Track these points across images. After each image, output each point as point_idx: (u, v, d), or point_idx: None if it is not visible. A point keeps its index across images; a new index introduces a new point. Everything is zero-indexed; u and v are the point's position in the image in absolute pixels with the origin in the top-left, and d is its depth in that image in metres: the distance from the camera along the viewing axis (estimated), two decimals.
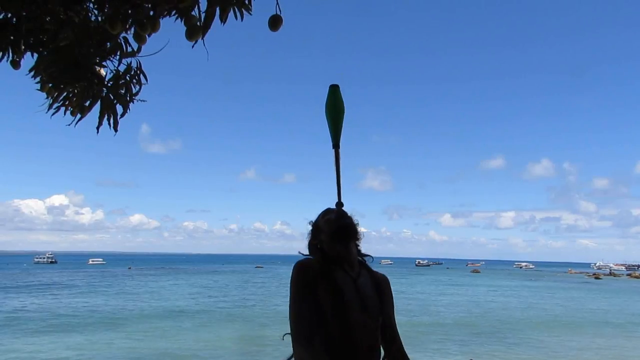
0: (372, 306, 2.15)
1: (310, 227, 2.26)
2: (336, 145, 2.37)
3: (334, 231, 2.14)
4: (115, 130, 2.23)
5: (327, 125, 2.39)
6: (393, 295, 2.35)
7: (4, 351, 18.58)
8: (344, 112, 2.40)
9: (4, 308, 31.84)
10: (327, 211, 2.26)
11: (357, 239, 2.22)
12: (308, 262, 2.13)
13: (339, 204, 2.30)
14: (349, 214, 2.23)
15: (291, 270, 2.08)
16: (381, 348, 2.21)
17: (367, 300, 2.12)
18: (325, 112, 2.39)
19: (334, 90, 2.39)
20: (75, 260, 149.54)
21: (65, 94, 2.22)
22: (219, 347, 19.67)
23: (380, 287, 2.23)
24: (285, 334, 2.15)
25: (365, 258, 2.28)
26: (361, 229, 2.24)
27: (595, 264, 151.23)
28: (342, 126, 2.40)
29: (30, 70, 2.20)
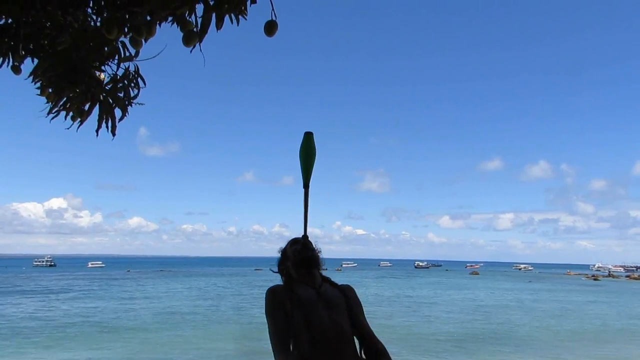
0: (337, 305, 2.45)
1: (279, 254, 2.68)
2: (306, 186, 2.73)
3: (299, 261, 2.55)
4: (114, 134, 2.26)
5: (300, 167, 2.74)
6: (360, 301, 2.61)
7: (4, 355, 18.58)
8: (314, 158, 2.75)
9: (5, 312, 31.82)
10: (294, 241, 2.67)
11: (319, 268, 2.60)
12: (276, 287, 2.51)
13: (304, 236, 2.67)
14: (312, 246, 2.63)
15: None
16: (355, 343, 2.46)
17: (331, 301, 2.44)
18: (299, 155, 2.73)
19: (308, 138, 2.74)
20: (75, 264, 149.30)
21: (65, 98, 2.25)
22: (218, 352, 19.66)
23: (345, 293, 2.55)
24: None
25: (329, 279, 2.64)
26: (322, 260, 2.63)
27: (594, 265, 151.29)
28: (312, 169, 2.76)
29: (29, 75, 2.23)
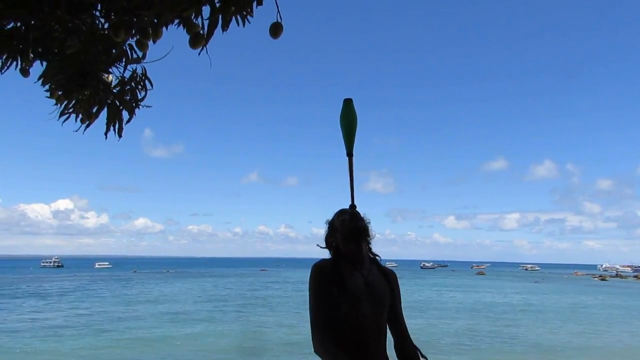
0: (383, 300, 2.38)
1: (326, 226, 2.50)
2: (349, 154, 2.65)
3: (347, 232, 2.39)
4: (120, 136, 2.28)
5: (342, 136, 2.65)
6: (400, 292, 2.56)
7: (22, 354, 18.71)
8: (356, 124, 2.65)
9: (19, 315, 32.05)
10: (342, 212, 2.52)
11: (369, 239, 2.46)
12: (322, 264, 2.37)
13: (352, 206, 2.55)
14: (361, 216, 2.48)
15: (309, 273, 2.34)
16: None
17: (378, 297, 2.35)
18: (340, 123, 2.64)
19: (348, 105, 2.63)
20: (82, 264, 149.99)
21: (74, 101, 2.27)
22: (224, 352, 19.70)
23: (390, 283, 2.46)
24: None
25: (376, 257, 2.51)
26: (372, 230, 2.48)
27: (601, 265, 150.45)
28: (354, 136, 2.66)
29: (39, 78, 2.25)
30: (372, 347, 2.29)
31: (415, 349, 2.48)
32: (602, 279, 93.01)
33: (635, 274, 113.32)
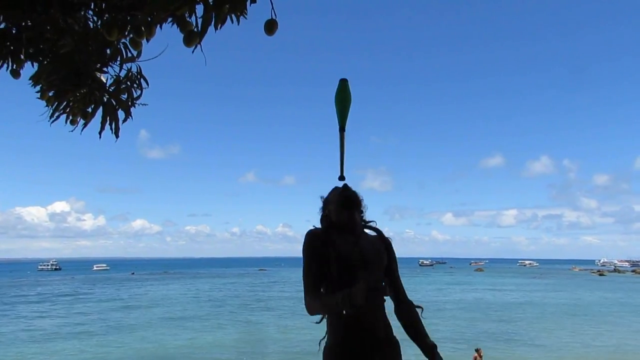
0: (373, 262, 2.43)
1: (321, 203, 2.59)
2: (342, 129, 2.66)
3: (340, 200, 2.48)
4: (117, 136, 2.27)
5: (336, 113, 2.67)
6: (395, 255, 2.65)
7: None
8: (350, 102, 2.68)
9: (17, 320, 31.97)
10: (334, 188, 2.60)
11: (361, 209, 2.54)
12: (315, 230, 2.47)
13: (341, 177, 2.60)
14: (352, 189, 2.56)
15: (302, 243, 2.41)
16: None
17: (368, 257, 2.41)
18: (335, 101, 2.66)
19: (343, 84, 2.66)
20: (80, 267, 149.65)
21: (65, 102, 2.25)
22: (224, 351, 19.70)
23: (387, 245, 2.58)
24: (321, 339, 2.43)
25: (370, 223, 2.60)
26: (364, 201, 2.57)
27: (599, 260, 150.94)
28: (348, 113, 2.68)
29: (30, 79, 2.23)
30: (367, 308, 2.28)
31: (409, 303, 2.57)
32: (600, 274, 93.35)
33: (632, 268, 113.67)
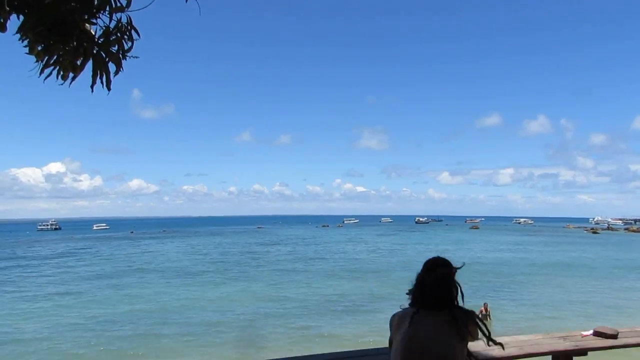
0: (425, 354, 2.37)
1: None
2: None
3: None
4: (109, 89, 2.16)
5: None
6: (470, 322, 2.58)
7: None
8: None
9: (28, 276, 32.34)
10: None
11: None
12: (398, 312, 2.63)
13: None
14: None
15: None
16: None
17: (418, 349, 2.37)
18: None
19: None
20: (80, 227, 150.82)
21: (55, 57, 2.13)
22: (227, 304, 20.04)
23: (456, 327, 2.47)
24: None
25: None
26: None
27: (593, 218, 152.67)
28: None
29: (17, 32, 2.10)
30: None
31: None
32: (593, 232, 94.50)
33: (625, 226, 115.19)
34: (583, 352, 3.33)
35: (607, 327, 3.69)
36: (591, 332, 3.64)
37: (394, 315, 2.53)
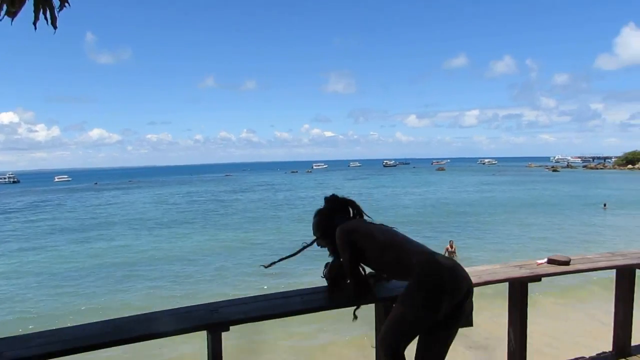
0: None
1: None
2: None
3: None
4: (54, 27, 2.03)
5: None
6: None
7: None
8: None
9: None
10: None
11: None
12: None
13: None
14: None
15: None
16: None
17: None
18: None
19: None
20: (40, 179, 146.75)
21: None
22: (197, 254, 20.17)
23: None
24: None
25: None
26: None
27: (554, 157, 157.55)
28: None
29: None
30: None
31: None
32: (554, 170, 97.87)
33: (584, 164, 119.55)
34: (537, 278, 3.52)
35: (561, 255, 3.89)
36: (545, 260, 3.83)
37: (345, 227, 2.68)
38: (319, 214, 2.89)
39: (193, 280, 15.64)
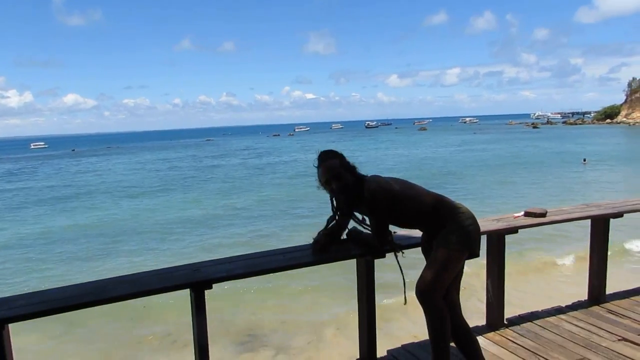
0: None
1: None
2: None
3: None
4: None
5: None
6: None
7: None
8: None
9: None
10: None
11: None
12: None
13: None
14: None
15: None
16: None
17: None
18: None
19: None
20: (15, 146, 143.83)
21: None
22: (179, 221, 20.13)
23: None
24: None
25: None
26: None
27: (534, 114, 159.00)
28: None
29: None
30: None
31: None
32: (534, 127, 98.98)
33: (563, 120, 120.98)
34: (514, 230, 3.61)
35: (537, 208, 3.98)
36: (522, 213, 3.92)
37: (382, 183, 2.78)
38: (336, 156, 2.86)
39: (176, 247, 15.63)
